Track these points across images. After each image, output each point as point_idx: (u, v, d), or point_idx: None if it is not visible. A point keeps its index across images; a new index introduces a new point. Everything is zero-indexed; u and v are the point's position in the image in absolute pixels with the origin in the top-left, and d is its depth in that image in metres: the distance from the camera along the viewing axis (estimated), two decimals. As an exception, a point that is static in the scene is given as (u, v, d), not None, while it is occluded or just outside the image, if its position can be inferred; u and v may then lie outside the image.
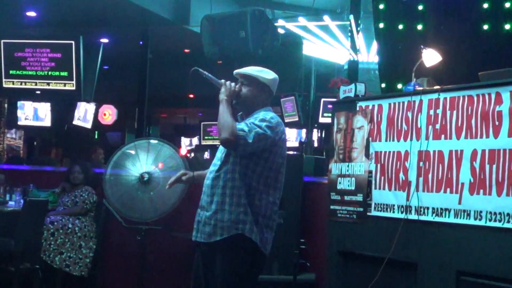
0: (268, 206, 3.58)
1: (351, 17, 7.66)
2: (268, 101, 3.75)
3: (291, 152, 11.43)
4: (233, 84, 3.67)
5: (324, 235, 5.20)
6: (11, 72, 8.19)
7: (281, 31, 8.16)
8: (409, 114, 4.38)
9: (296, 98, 10.28)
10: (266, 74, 3.72)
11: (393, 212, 4.41)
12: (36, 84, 8.17)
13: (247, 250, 3.51)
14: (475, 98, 3.96)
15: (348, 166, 4.81)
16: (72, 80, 8.05)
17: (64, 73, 8.07)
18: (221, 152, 3.67)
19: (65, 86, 8.08)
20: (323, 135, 12.76)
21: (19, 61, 8.19)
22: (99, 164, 8.49)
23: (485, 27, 5.66)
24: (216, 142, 12.72)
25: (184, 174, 3.92)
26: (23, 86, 8.23)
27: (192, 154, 15.86)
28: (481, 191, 3.84)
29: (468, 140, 3.97)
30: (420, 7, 5.92)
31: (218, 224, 3.53)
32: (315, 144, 12.27)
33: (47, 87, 8.17)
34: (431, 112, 4.24)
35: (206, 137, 14.50)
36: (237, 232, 3.50)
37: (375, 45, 8.86)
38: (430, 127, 4.22)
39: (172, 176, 3.95)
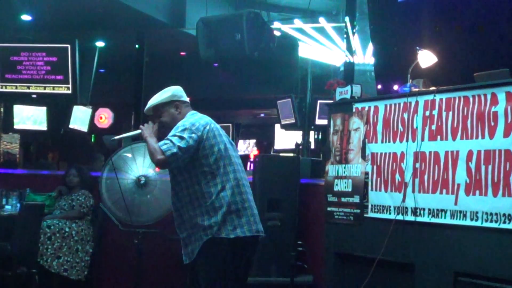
0: (227, 194, 3.64)
1: (347, 19, 7.64)
2: (185, 109, 3.87)
3: (288, 154, 11.47)
4: (150, 122, 3.80)
5: (321, 237, 5.21)
6: (6, 76, 8.18)
7: (277, 33, 8.14)
8: (405, 115, 4.39)
9: (293, 100, 10.26)
10: (165, 93, 3.86)
11: (390, 213, 4.41)
12: (32, 88, 8.16)
13: (222, 248, 3.62)
14: (471, 99, 3.97)
15: (344, 167, 4.81)
16: (68, 83, 8.03)
17: (60, 77, 8.06)
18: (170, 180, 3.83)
19: (61, 89, 8.07)
20: (319, 137, 12.74)
21: (15, 65, 8.16)
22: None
23: (481, 27, 5.65)
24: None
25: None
26: (18, 90, 8.22)
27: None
28: (477, 191, 3.84)
29: (463, 141, 3.98)
30: (416, 8, 5.90)
31: (193, 237, 3.68)
32: (312, 146, 12.25)
33: (43, 90, 8.16)
34: (427, 113, 4.24)
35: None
36: (208, 237, 3.62)
37: (371, 46, 8.86)
38: (426, 128, 4.23)
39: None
